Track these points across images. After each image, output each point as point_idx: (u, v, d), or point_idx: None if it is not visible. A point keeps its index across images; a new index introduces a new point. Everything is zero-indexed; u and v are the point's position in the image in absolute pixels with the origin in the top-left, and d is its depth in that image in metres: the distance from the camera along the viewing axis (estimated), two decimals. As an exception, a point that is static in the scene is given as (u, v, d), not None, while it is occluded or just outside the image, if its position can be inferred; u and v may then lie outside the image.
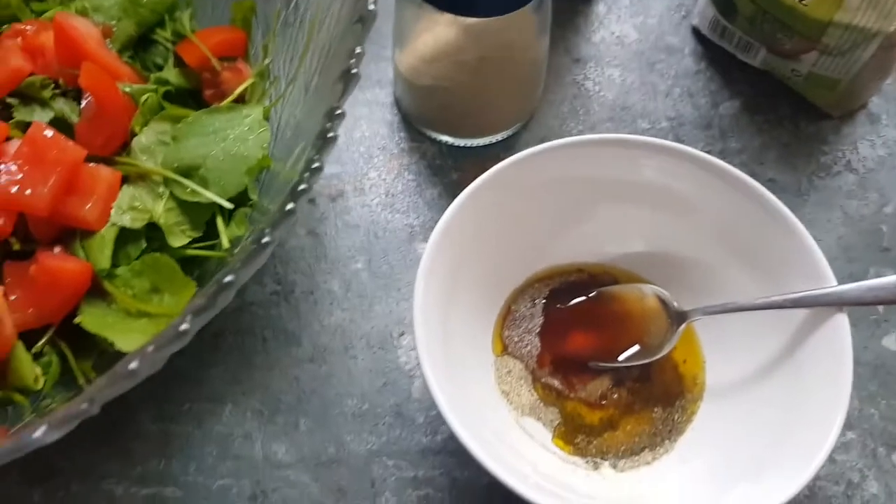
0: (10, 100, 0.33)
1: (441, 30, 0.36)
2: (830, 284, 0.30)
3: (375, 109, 0.44)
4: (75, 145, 0.30)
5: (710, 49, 0.47)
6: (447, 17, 0.34)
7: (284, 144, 0.33)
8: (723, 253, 0.34)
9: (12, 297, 0.29)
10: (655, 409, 0.33)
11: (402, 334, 0.37)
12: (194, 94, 0.38)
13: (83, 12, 0.37)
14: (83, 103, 0.33)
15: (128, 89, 0.34)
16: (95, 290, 0.30)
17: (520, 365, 0.34)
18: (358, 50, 0.26)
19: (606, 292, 0.35)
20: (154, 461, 0.34)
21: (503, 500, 0.33)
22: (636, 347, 0.34)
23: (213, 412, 0.35)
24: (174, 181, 0.31)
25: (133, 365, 0.19)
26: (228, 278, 0.21)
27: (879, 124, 0.44)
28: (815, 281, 0.31)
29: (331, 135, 0.24)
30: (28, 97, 0.33)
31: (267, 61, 0.36)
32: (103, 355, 0.30)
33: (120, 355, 0.29)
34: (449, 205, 0.32)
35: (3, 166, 0.30)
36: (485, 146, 0.43)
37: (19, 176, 0.29)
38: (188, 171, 0.31)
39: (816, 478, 0.34)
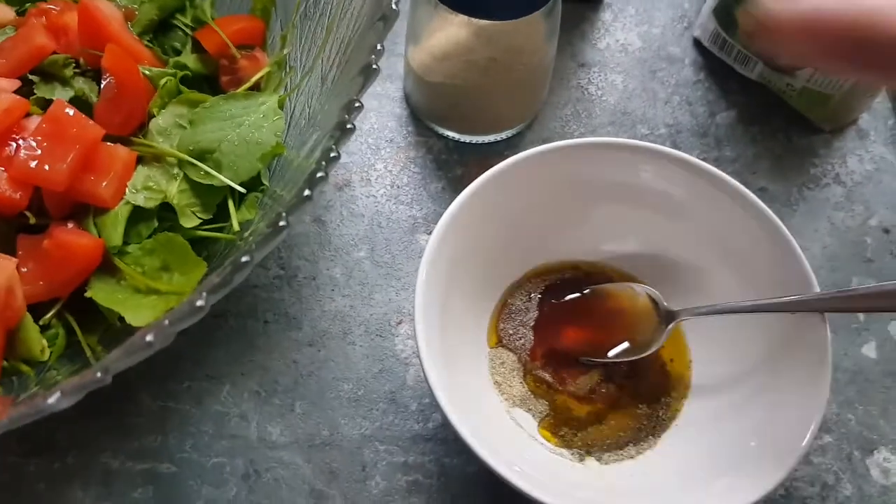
0: (32, 77, 0.33)
1: (454, 30, 0.36)
2: (814, 291, 0.31)
3: (385, 103, 0.45)
4: (94, 124, 0.31)
5: (709, 60, 0.47)
6: (461, 18, 0.35)
7: (298, 134, 0.33)
8: (713, 256, 0.35)
9: (24, 270, 0.29)
10: (641, 406, 0.34)
11: (399, 323, 0.38)
12: (210, 80, 0.38)
13: (107, -6, 0.38)
14: (103, 83, 0.33)
15: (147, 72, 0.34)
16: (105, 267, 0.30)
17: (513, 357, 0.35)
18: (379, 46, 0.26)
19: (600, 290, 0.36)
20: (151, 437, 0.34)
21: (490, 489, 0.34)
22: (626, 344, 0.35)
23: (211, 391, 0.35)
24: (188, 163, 0.31)
25: (149, 337, 0.20)
26: (245, 258, 0.21)
27: (868, 140, 0.45)
28: (800, 287, 0.31)
29: (349, 126, 0.24)
30: (49, 75, 0.34)
31: (284, 52, 0.37)
32: (108, 331, 0.31)
33: (124, 332, 0.29)
34: (452, 199, 0.33)
35: (23, 141, 0.30)
36: (489, 143, 0.43)
37: (38, 151, 0.29)
38: (203, 155, 0.32)
39: (793, 478, 0.35)
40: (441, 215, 0.32)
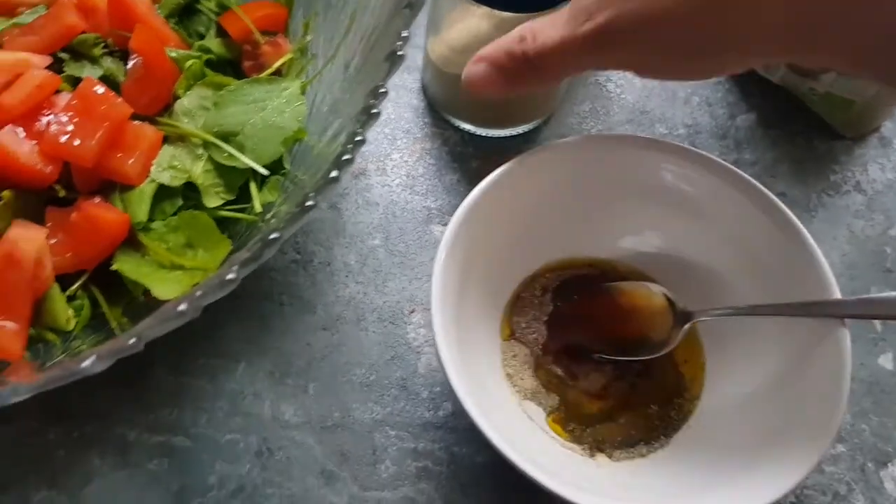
0: (62, 55, 0.35)
1: (475, 21, 0.38)
2: (835, 296, 0.32)
3: (402, 94, 0.46)
4: (123, 102, 0.32)
5: (732, 62, 0.48)
6: (482, 10, 0.36)
7: (319, 120, 0.35)
8: (731, 259, 0.35)
9: (52, 241, 0.31)
10: (653, 406, 0.35)
11: (412, 311, 0.39)
12: (233, 65, 0.40)
13: (135, -23, 0.39)
14: (130, 63, 0.35)
15: (174, 54, 0.36)
16: (130, 242, 0.32)
17: (525, 350, 0.36)
18: (405, 33, 0.27)
19: (615, 287, 0.37)
20: (167, 410, 0.35)
21: (499, 479, 0.35)
22: (640, 343, 0.36)
23: (226, 369, 0.37)
24: (213, 145, 0.33)
25: (181, 307, 0.21)
26: (274, 235, 0.23)
27: (890, 148, 0.46)
28: (820, 293, 0.32)
29: (374, 111, 0.26)
30: (79, 54, 0.35)
31: (307, 39, 0.38)
32: (130, 304, 0.32)
33: (146, 306, 0.31)
34: (467, 191, 0.33)
35: (53, 116, 0.31)
36: (505, 138, 0.44)
37: (69, 127, 0.31)
38: (227, 137, 0.33)
39: (804, 486, 0.36)
40: (455, 207, 0.33)
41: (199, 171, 0.32)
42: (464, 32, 0.39)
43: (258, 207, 0.32)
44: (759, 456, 0.31)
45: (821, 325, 0.32)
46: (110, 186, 0.32)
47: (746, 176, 0.34)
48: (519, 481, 0.28)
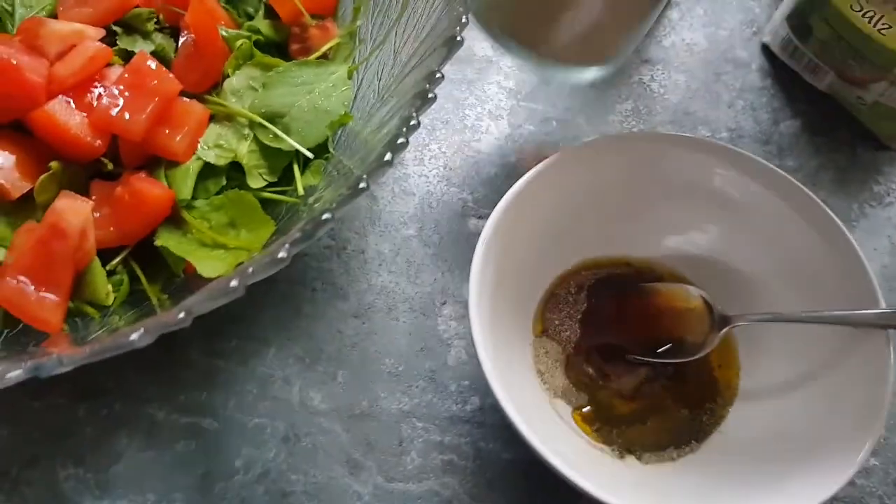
0: (115, 28, 0.35)
1: None
2: (880, 307, 0.31)
3: (444, 84, 0.46)
4: (173, 78, 0.33)
5: (776, 67, 0.48)
6: None
7: (365, 106, 0.34)
8: (773, 264, 0.35)
9: (96, 215, 0.31)
10: (685, 409, 0.35)
11: (444, 303, 0.39)
12: (280, 47, 0.40)
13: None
14: (182, 40, 0.35)
15: (225, 33, 0.36)
16: (173, 219, 0.32)
17: (557, 348, 0.36)
18: (464, 19, 0.27)
19: (651, 288, 0.37)
20: (196, 392, 0.36)
21: (527, 476, 0.35)
22: (674, 345, 0.35)
23: (257, 352, 0.37)
24: (259, 125, 0.33)
25: (234, 283, 0.21)
26: (326, 216, 0.23)
27: (936, 162, 0.45)
28: (864, 303, 0.31)
29: (430, 95, 0.25)
30: (132, 28, 0.35)
31: (358, 23, 0.38)
32: (169, 282, 0.32)
33: (185, 284, 0.31)
34: (505, 185, 0.33)
35: (104, 89, 0.32)
36: (548, 132, 0.44)
37: (120, 100, 0.31)
38: (273, 118, 0.33)
39: (834, 498, 0.35)
40: (492, 201, 0.33)
41: (244, 151, 0.32)
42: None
43: (300, 190, 0.32)
44: (791, 467, 0.30)
45: (863, 335, 0.31)
46: (156, 162, 0.32)
47: (795, 181, 0.34)
48: (545, 479, 0.28)
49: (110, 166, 0.32)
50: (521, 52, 0.37)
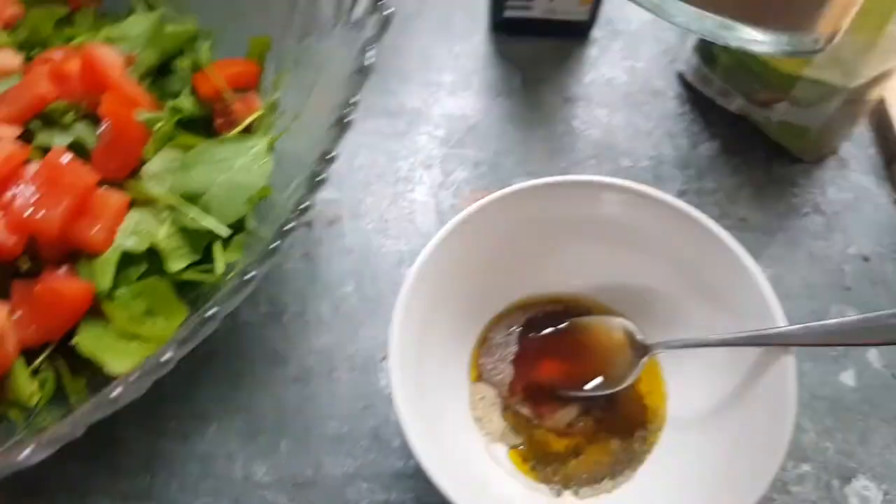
0: (33, 123, 0.33)
1: None
2: (779, 325, 0.30)
3: (377, 139, 0.45)
4: (89, 170, 0.31)
5: (692, 94, 0.47)
6: None
7: (285, 175, 0.33)
8: (688, 288, 0.34)
9: (18, 314, 0.29)
10: (618, 439, 0.33)
11: (384, 358, 0.37)
12: (207, 122, 0.38)
13: (110, 41, 0.38)
14: (100, 129, 0.34)
15: (144, 117, 0.34)
16: (96, 310, 0.30)
17: (493, 391, 0.34)
18: (354, 99, 0.26)
19: (577, 323, 0.35)
20: (139, 478, 0.33)
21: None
22: (602, 378, 0.34)
23: (198, 430, 0.34)
24: (178, 207, 0.31)
25: (115, 393, 0.20)
26: (211, 311, 0.21)
27: (848, 169, 0.44)
28: (767, 320, 0.30)
29: (320, 178, 0.24)
30: (51, 121, 0.34)
31: (276, 95, 0.37)
32: (98, 373, 0.30)
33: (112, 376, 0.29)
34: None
35: (19, 189, 0.30)
36: (484, 172, 0.43)
37: (34, 199, 0.29)
38: (193, 198, 0.32)
39: (771, 505, 0.34)
40: (429, 250, 0.31)
41: (162, 234, 0.31)
42: None
43: (220, 269, 0.31)
44: (717, 481, 0.29)
45: (768, 352, 0.30)
46: (76, 254, 0.31)
47: (682, 204, 0.32)
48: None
49: (25, 266, 0.30)
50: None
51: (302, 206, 0.23)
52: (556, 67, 0.48)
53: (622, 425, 0.34)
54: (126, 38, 0.38)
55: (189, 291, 0.31)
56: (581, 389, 0.34)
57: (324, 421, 0.35)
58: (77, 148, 0.33)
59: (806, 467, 0.35)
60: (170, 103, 0.37)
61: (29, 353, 0.29)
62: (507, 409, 0.34)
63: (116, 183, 0.33)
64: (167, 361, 0.20)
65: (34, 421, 0.27)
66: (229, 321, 0.37)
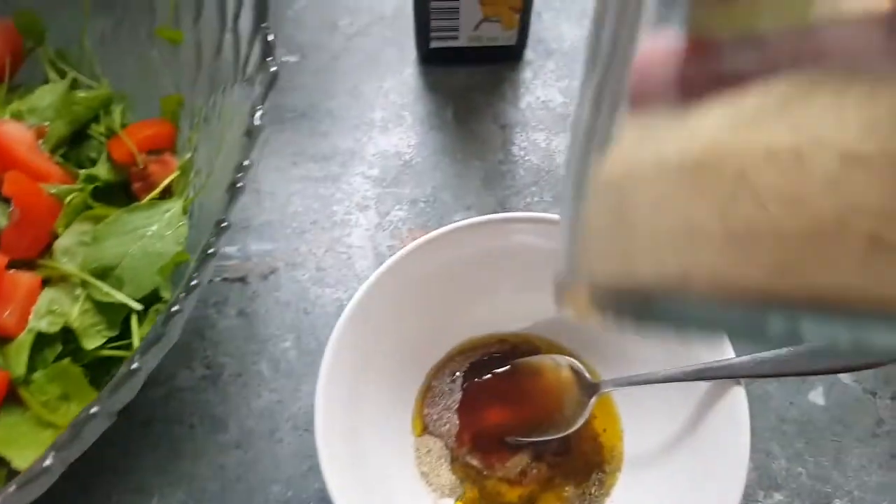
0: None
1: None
2: (727, 357, 0.30)
3: (309, 184, 0.44)
4: (-3, 254, 0.31)
5: (632, 109, 0.47)
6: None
7: (202, 236, 0.33)
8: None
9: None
10: (574, 484, 0.33)
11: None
12: (126, 187, 0.38)
13: (18, 115, 0.38)
14: (10, 208, 0.34)
15: (53, 191, 0.34)
16: (13, 397, 0.30)
17: (440, 444, 0.34)
18: (245, 163, 0.26)
19: (522, 364, 0.35)
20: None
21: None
22: (552, 420, 0.34)
23: (139, 504, 0.34)
24: (91, 283, 0.31)
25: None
26: (94, 409, 0.21)
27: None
28: (716, 351, 0.30)
29: (211, 250, 0.24)
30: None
31: (189, 155, 0.37)
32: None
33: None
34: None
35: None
36: (413, 216, 0.43)
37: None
38: (105, 272, 0.31)
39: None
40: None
41: (77, 312, 0.31)
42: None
43: (136, 343, 0.30)
44: None
45: (719, 384, 0.30)
46: (-11, 341, 0.30)
47: None
48: None
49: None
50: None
51: (191, 284, 0.23)
52: (489, 94, 0.48)
53: (578, 468, 0.33)
54: (36, 109, 0.38)
55: (110, 367, 0.31)
56: (531, 434, 0.33)
57: (267, 485, 0.34)
58: (-14, 229, 0.33)
59: (779, 496, 0.34)
60: (83, 173, 0.37)
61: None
62: (455, 460, 0.34)
63: (28, 262, 0.33)
64: (48, 469, 0.20)
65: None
66: (166, 387, 0.37)
